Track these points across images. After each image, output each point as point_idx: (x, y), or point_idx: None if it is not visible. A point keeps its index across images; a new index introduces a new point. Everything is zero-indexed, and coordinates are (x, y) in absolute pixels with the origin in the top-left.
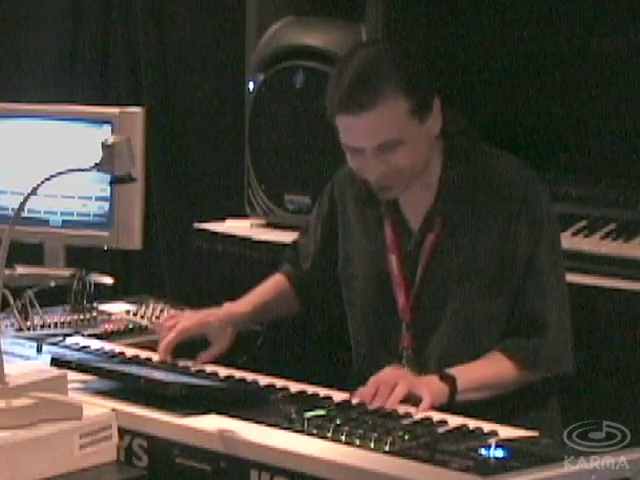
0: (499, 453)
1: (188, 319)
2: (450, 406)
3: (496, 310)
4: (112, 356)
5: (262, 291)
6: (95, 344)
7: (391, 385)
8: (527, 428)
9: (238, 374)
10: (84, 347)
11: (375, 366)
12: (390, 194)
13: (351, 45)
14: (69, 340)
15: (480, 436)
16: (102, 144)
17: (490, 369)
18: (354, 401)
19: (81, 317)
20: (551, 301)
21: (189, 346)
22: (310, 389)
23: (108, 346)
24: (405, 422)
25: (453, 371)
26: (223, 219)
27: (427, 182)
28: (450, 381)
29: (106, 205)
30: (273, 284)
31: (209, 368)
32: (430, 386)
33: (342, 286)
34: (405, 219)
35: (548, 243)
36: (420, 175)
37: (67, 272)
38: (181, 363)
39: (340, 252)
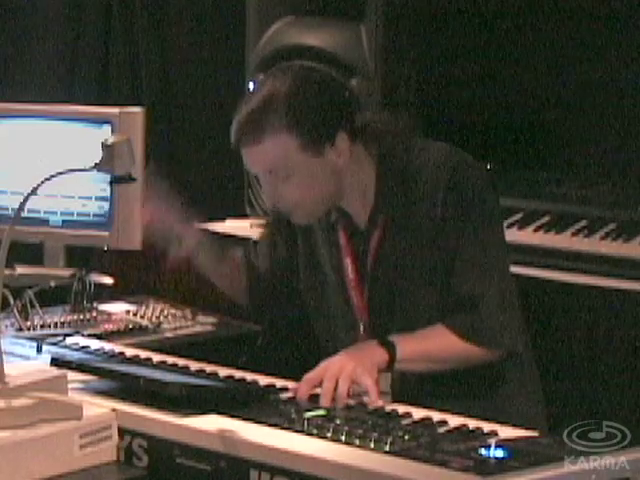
0: (499, 453)
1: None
2: (390, 371)
3: (438, 297)
4: (112, 356)
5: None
6: (95, 344)
7: (333, 378)
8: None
9: (238, 374)
10: (84, 347)
11: None
12: (296, 219)
13: (353, 46)
14: (69, 340)
15: (480, 436)
16: (102, 144)
17: (433, 340)
18: (290, 393)
19: (81, 317)
20: (483, 280)
21: None
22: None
23: (108, 346)
24: (405, 422)
25: (395, 338)
26: (223, 219)
27: (364, 188)
28: (390, 348)
29: (106, 205)
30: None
31: (209, 368)
32: (371, 361)
33: (306, 294)
34: (354, 222)
35: (478, 224)
36: (328, 202)
37: (67, 272)
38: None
39: (301, 262)
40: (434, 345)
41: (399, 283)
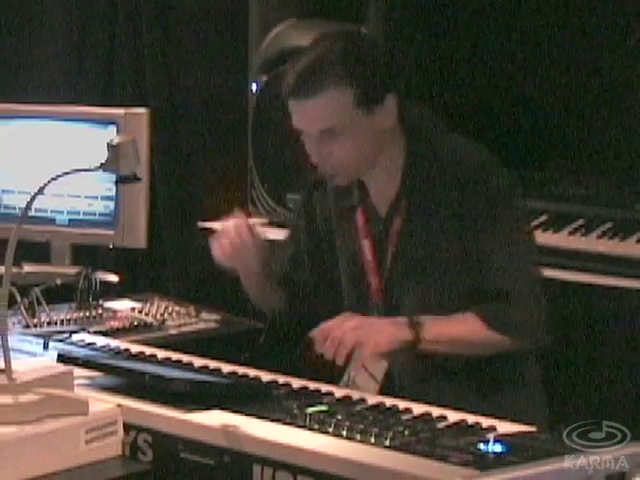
0: (497, 448)
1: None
2: (415, 353)
3: (462, 288)
4: (117, 353)
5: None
6: (101, 341)
7: (341, 331)
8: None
9: (241, 370)
10: (90, 344)
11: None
12: (337, 180)
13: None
14: (75, 337)
15: (479, 431)
16: (108, 144)
17: (460, 326)
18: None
19: (87, 314)
20: (515, 274)
21: None
22: (312, 385)
23: (113, 343)
24: (405, 417)
25: (422, 319)
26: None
27: (391, 169)
28: (417, 329)
29: (111, 204)
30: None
31: (213, 364)
32: (388, 337)
33: (327, 276)
34: (374, 205)
35: (506, 219)
36: (368, 166)
37: (73, 270)
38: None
39: (327, 253)
40: (461, 330)
41: (418, 269)
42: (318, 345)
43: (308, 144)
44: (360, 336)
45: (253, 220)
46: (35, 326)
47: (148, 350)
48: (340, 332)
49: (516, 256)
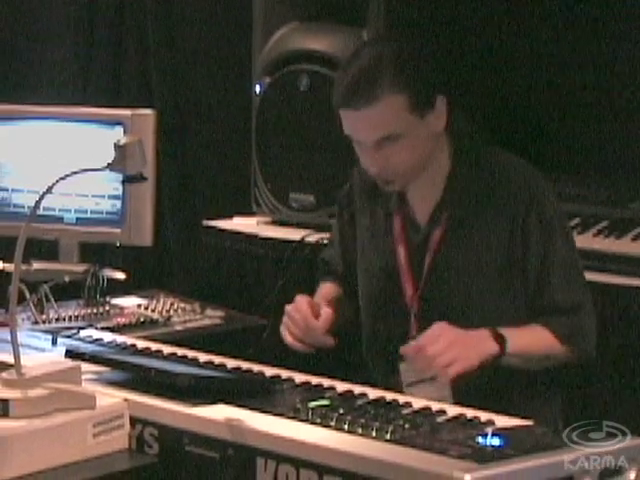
0: (495, 441)
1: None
2: (493, 367)
3: (503, 305)
4: (124, 348)
5: (325, 293)
6: (108, 337)
7: (434, 354)
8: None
9: (245, 365)
10: (97, 339)
11: (381, 357)
12: (392, 187)
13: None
14: (83, 333)
15: (477, 425)
16: (115, 145)
17: (537, 339)
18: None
19: (94, 311)
20: (576, 287)
21: None
22: (314, 380)
23: (120, 338)
24: (405, 411)
25: (504, 332)
26: (231, 217)
27: (435, 178)
28: (502, 341)
29: (118, 203)
30: (329, 290)
31: (217, 360)
32: (476, 351)
33: (358, 280)
34: (413, 213)
35: (562, 237)
36: (421, 170)
37: (81, 267)
38: (203, 357)
39: (358, 249)
40: (538, 344)
41: (458, 281)
42: (410, 361)
43: (363, 153)
44: (454, 356)
45: (317, 299)
46: (44, 322)
47: (154, 346)
48: (434, 351)
49: (575, 268)
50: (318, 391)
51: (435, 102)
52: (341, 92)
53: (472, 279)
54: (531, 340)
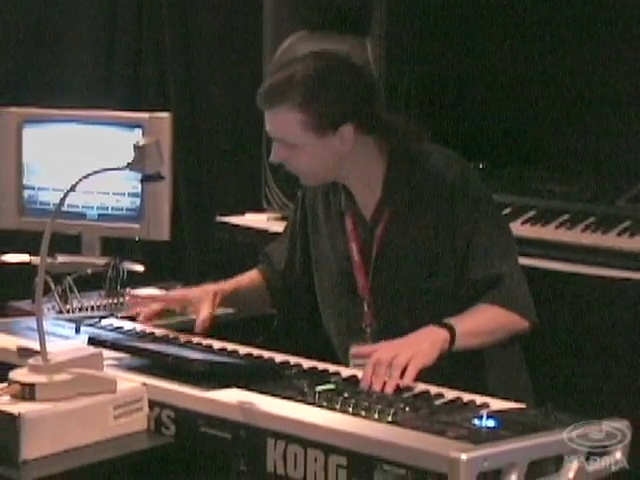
0: (490, 423)
1: (173, 292)
2: (449, 353)
3: (441, 285)
4: (143, 336)
5: (239, 280)
6: (128, 325)
7: (386, 363)
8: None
9: (256, 352)
10: (118, 328)
11: (343, 347)
12: (301, 181)
13: (359, 57)
14: (104, 321)
15: (473, 408)
16: (134, 146)
17: (480, 315)
18: (362, 386)
19: (115, 301)
20: (505, 259)
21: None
22: (321, 365)
23: (139, 327)
24: (406, 395)
25: (448, 320)
26: (242, 213)
27: (374, 178)
28: (449, 328)
29: (137, 200)
30: (249, 277)
31: (230, 346)
32: (431, 343)
33: (315, 279)
34: (361, 212)
35: (486, 218)
36: (329, 176)
37: (102, 260)
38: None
39: (312, 249)
40: (482, 319)
41: (401, 269)
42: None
43: (273, 143)
44: (410, 353)
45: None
46: (68, 312)
47: (171, 333)
48: (387, 355)
49: (505, 244)
50: (324, 376)
51: (339, 128)
52: (258, 95)
53: (413, 267)
54: (476, 318)
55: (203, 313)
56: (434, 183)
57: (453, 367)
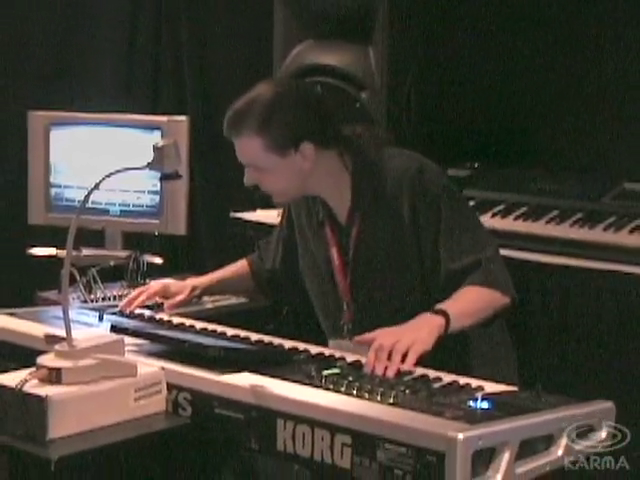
0: (484, 405)
1: (155, 284)
2: (446, 336)
3: (412, 280)
4: (162, 324)
5: (226, 270)
6: (147, 313)
7: (388, 349)
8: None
9: (267, 339)
10: (138, 316)
11: (329, 339)
12: (274, 200)
13: (362, 64)
14: None
15: (469, 391)
16: (153, 147)
17: (468, 297)
18: (365, 370)
19: None
20: (476, 244)
21: None
22: (327, 351)
23: (158, 315)
24: (406, 379)
25: (439, 305)
26: (254, 209)
27: (344, 187)
28: (442, 313)
29: (157, 198)
30: (236, 267)
31: (243, 333)
32: (428, 329)
33: (306, 282)
34: (337, 219)
35: (449, 212)
36: (299, 192)
37: (124, 254)
38: (198, 325)
39: (300, 253)
40: (470, 300)
41: (374, 268)
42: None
43: (245, 168)
44: (409, 340)
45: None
46: (92, 301)
47: (188, 321)
48: (389, 342)
49: (473, 231)
50: (330, 361)
51: (299, 147)
52: (224, 123)
53: (384, 265)
54: (464, 299)
55: (176, 300)
56: (394, 185)
57: (439, 354)
